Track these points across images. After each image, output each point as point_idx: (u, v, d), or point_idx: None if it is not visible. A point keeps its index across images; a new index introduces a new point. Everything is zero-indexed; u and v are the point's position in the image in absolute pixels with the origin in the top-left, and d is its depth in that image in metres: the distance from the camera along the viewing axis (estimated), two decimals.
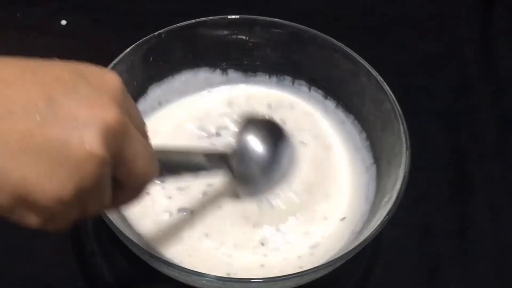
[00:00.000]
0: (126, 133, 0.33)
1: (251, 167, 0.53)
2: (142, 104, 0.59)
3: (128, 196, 0.37)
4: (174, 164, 0.48)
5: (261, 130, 0.54)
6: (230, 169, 0.52)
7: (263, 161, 0.53)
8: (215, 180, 0.55)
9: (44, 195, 0.31)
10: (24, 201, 0.31)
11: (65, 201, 0.31)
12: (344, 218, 0.55)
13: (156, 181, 0.38)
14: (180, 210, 0.54)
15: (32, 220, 0.32)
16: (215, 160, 0.52)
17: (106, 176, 0.33)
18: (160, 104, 0.61)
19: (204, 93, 0.62)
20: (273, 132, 0.55)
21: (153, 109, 0.60)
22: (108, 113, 0.32)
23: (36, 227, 0.32)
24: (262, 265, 0.52)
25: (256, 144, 0.53)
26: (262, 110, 0.61)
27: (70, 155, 0.30)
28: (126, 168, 0.34)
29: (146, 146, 0.36)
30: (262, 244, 0.53)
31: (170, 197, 0.55)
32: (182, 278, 0.47)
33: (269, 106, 0.62)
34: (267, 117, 0.58)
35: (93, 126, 0.31)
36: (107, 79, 0.34)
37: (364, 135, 0.59)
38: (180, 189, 0.55)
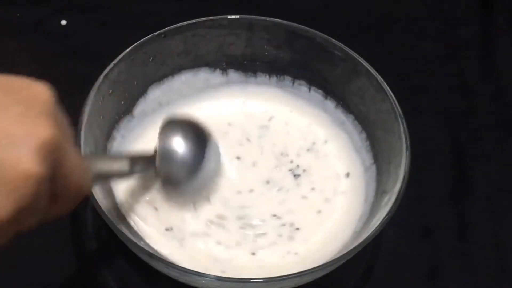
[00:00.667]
0: (61, 147, 0.33)
1: (174, 168, 0.51)
2: (142, 105, 0.59)
3: (63, 208, 0.36)
4: (101, 172, 0.47)
5: (183, 130, 0.52)
6: (155, 171, 0.51)
7: (185, 161, 0.51)
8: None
9: None
10: None
11: (3, 222, 0.30)
12: (343, 217, 0.55)
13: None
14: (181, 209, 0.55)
15: None
16: (141, 163, 0.51)
17: (43, 192, 0.32)
18: (160, 104, 0.61)
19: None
20: (196, 132, 0.53)
21: (154, 109, 0.60)
22: (41, 129, 0.31)
23: None
24: (261, 266, 0.52)
25: (177, 144, 0.51)
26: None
27: (7, 176, 0.30)
28: (62, 181, 0.34)
29: (79, 158, 0.36)
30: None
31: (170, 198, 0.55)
32: (182, 278, 0.47)
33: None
34: (189, 118, 0.56)
35: (27, 144, 0.30)
36: (37, 92, 0.33)
37: (364, 135, 0.59)
38: None
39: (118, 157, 0.52)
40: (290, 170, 0.58)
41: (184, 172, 0.52)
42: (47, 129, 0.31)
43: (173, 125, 0.53)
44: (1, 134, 0.30)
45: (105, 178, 0.50)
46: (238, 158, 0.58)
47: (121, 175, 0.50)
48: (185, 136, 0.52)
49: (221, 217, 0.54)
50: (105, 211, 0.47)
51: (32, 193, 0.31)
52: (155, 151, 0.51)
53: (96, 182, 0.46)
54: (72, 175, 0.34)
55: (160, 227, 0.54)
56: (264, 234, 0.54)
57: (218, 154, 0.56)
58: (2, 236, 0.32)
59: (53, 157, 0.32)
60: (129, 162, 0.49)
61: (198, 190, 0.54)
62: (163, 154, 0.51)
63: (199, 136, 0.53)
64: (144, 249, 0.47)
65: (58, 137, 0.32)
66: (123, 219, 0.53)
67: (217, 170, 0.56)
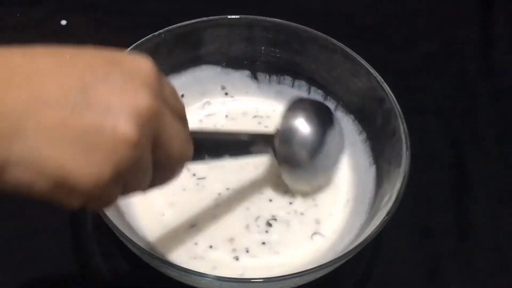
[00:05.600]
0: (160, 117, 0.34)
1: (296, 149, 0.52)
2: None
3: (165, 177, 0.38)
4: (218, 145, 0.47)
5: (306, 112, 0.53)
6: (274, 151, 0.51)
7: (309, 144, 0.52)
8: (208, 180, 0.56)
9: (82, 180, 0.31)
10: (63, 186, 0.31)
11: (103, 184, 0.32)
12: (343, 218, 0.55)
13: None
14: (181, 210, 0.55)
15: (72, 202, 0.33)
16: (259, 141, 0.51)
17: (144, 159, 0.34)
18: None
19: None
20: (319, 114, 0.54)
21: None
22: (140, 99, 0.33)
23: (78, 208, 0.33)
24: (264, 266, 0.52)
25: (300, 125, 0.52)
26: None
27: (105, 140, 0.31)
28: (163, 150, 0.35)
29: (181, 129, 0.37)
30: (263, 243, 0.53)
31: (170, 198, 0.55)
32: (182, 278, 0.47)
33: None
34: (313, 99, 0.57)
35: (125, 112, 0.32)
36: (140, 64, 0.34)
37: (364, 135, 0.59)
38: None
39: (235, 132, 0.52)
40: None
41: (304, 153, 0.52)
42: (145, 100, 0.33)
43: (297, 106, 0.54)
44: (101, 102, 0.32)
45: (219, 153, 0.49)
46: None
47: (236, 151, 0.50)
48: (308, 118, 0.53)
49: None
50: (105, 211, 0.47)
51: (129, 158, 0.32)
52: (276, 131, 0.52)
53: (208, 157, 0.45)
54: (173, 145, 0.36)
55: (160, 227, 0.54)
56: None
57: (341, 136, 0.56)
58: (104, 199, 0.34)
59: (150, 125, 0.33)
60: (247, 138, 0.49)
61: (320, 171, 0.55)
62: (285, 135, 0.52)
63: (322, 118, 0.54)
64: (144, 249, 0.47)
65: (156, 107, 0.33)
66: (123, 219, 0.53)
67: (340, 152, 0.56)
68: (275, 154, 0.52)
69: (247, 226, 0.54)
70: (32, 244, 0.55)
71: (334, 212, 0.56)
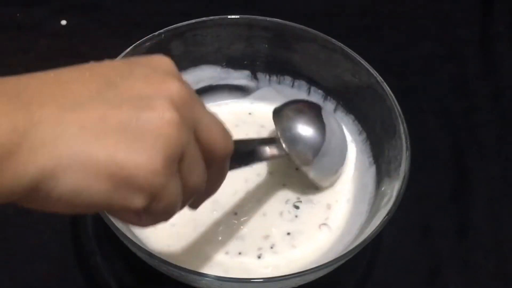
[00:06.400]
0: (192, 103, 0.34)
1: (301, 149, 0.54)
2: None
3: (218, 175, 0.39)
4: (240, 154, 0.47)
5: (300, 112, 0.55)
6: (284, 154, 0.53)
7: (310, 142, 0.54)
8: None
9: (136, 170, 0.31)
10: (120, 182, 0.31)
11: (159, 170, 0.32)
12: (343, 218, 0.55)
13: None
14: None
15: (137, 200, 0.32)
16: (268, 144, 0.53)
17: (191, 146, 0.34)
18: None
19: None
20: (313, 112, 0.56)
21: None
22: (170, 86, 0.33)
23: (144, 207, 0.32)
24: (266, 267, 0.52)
25: (300, 127, 0.54)
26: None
27: (148, 127, 0.31)
28: (205, 139, 0.35)
29: (215, 117, 0.37)
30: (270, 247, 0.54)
31: None
32: (182, 278, 0.47)
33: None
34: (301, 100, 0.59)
35: (160, 98, 0.32)
36: (158, 59, 0.35)
37: (364, 135, 0.59)
38: None
39: (249, 140, 0.54)
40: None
41: (311, 152, 0.54)
42: (175, 85, 0.33)
43: (289, 108, 0.55)
44: (132, 92, 0.32)
45: (241, 161, 0.50)
46: None
47: (253, 158, 0.52)
48: (304, 118, 0.55)
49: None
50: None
51: (175, 138, 0.32)
52: (277, 136, 0.53)
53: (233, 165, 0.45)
54: (213, 131, 0.36)
55: (160, 227, 0.54)
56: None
57: (340, 128, 0.58)
58: (168, 195, 0.33)
59: (186, 109, 0.33)
60: (258, 144, 0.51)
61: (326, 166, 0.56)
62: (288, 138, 0.53)
63: (316, 115, 0.56)
64: (144, 249, 0.47)
65: (188, 90, 0.34)
66: None
67: (343, 144, 0.57)
68: (290, 156, 0.53)
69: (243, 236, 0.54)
70: (32, 244, 0.55)
71: (334, 211, 0.56)
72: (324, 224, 0.55)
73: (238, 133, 0.59)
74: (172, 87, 0.33)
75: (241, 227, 0.54)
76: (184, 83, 0.34)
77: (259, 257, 0.53)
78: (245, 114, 0.62)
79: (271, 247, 0.53)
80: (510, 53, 0.72)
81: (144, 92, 0.32)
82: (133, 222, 0.35)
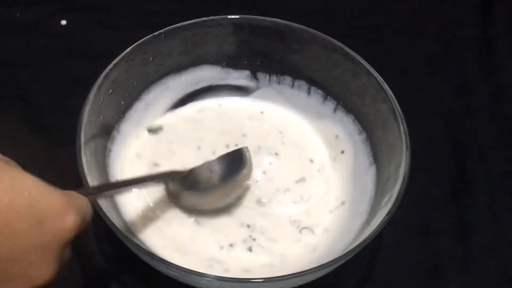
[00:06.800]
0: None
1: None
2: (142, 105, 0.59)
3: None
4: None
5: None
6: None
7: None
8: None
9: None
10: None
11: None
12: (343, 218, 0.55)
13: None
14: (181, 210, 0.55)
15: None
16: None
17: None
18: (160, 104, 0.61)
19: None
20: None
21: (153, 110, 0.60)
22: (42, 274, 0.37)
23: None
24: (264, 266, 0.52)
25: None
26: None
27: None
28: None
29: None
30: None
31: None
32: (182, 278, 0.47)
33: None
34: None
35: (22, 284, 0.36)
36: (60, 228, 0.37)
37: (364, 135, 0.59)
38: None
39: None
40: None
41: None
42: (46, 275, 0.37)
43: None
44: (7, 263, 0.35)
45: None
46: None
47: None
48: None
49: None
50: (105, 211, 0.47)
51: None
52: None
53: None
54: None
55: (160, 226, 0.54)
56: None
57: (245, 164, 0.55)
58: None
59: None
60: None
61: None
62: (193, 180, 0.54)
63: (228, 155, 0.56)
64: (144, 249, 0.47)
65: (51, 279, 0.38)
66: (123, 218, 0.53)
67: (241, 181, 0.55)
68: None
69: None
70: None
71: (329, 212, 0.56)
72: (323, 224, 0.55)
73: (238, 133, 0.60)
74: (40, 279, 0.37)
75: (241, 226, 0.54)
76: (56, 271, 0.38)
77: (249, 249, 0.53)
78: (245, 114, 0.62)
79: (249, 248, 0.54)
80: (510, 53, 0.72)
81: (13, 270, 0.35)
82: None
